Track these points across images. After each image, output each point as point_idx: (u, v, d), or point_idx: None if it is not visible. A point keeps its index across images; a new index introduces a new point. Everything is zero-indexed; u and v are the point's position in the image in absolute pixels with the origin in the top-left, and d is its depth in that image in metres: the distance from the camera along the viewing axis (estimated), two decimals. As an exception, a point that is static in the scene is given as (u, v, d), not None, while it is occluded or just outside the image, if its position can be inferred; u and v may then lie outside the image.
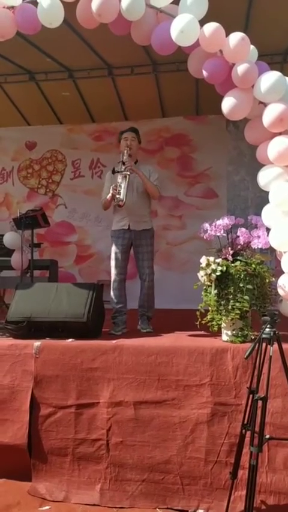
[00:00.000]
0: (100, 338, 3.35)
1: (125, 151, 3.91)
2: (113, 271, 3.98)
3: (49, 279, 5.75)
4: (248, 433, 2.35)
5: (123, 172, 3.80)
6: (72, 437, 2.95)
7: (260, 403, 2.28)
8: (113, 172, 3.91)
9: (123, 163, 3.85)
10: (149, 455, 2.83)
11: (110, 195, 3.85)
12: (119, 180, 3.81)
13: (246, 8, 4.29)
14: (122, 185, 3.77)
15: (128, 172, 3.81)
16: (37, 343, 3.11)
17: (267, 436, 2.41)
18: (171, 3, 3.15)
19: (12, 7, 3.26)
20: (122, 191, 3.76)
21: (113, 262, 4.00)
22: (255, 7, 4.27)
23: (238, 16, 4.32)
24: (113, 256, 4.00)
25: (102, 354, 3.01)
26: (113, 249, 4.00)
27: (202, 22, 3.06)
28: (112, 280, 3.99)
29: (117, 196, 3.77)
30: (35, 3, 3.22)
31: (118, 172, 3.83)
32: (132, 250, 4.06)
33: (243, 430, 2.40)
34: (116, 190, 3.77)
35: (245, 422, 2.40)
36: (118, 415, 2.91)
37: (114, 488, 2.84)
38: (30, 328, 3.36)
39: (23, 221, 4.77)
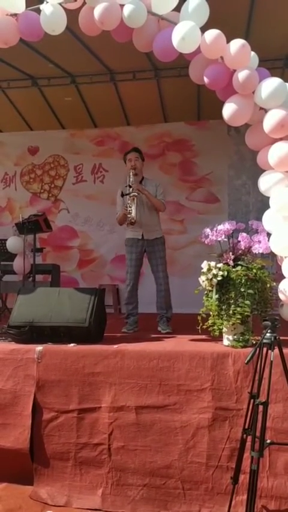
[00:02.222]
0: (102, 343, 3.36)
1: (131, 173, 4.23)
2: (127, 276, 4.34)
3: (51, 283, 5.77)
4: (249, 438, 2.35)
5: (131, 194, 4.13)
6: (74, 442, 2.95)
7: (261, 407, 2.29)
8: (122, 195, 4.26)
9: (130, 186, 4.16)
10: (150, 459, 2.84)
11: (121, 213, 4.26)
12: (129, 202, 4.15)
13: (247, 15, 4.33)
14: (132, 206, 4.12)
15: (136, 193, 4.14)
16: (39, 347, 3.13)
17: (268, 441, 2.42)
18: (173, 10, 3.18)
19: (16, 14, 3.29)
20: (132, 211, 4.11)
21: (127, 268, 4.36)
22: (256, 13, 4.30)
23: (239, 23, 4.36)
24: (127, 262, 4.36)
25: (104, 359, 3.02)
26: (127, 255, 4.37)
27: (203, 29, 3.09)
28: (126, 284, 4.37)
29: (129, 216, 4.11)
30: (38, 11, 3.25)
31: (126, 195, 4.17)
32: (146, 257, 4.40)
33: (244, 435, 2.41)
34: (126, 210, 4.13)
35: (246, 427, 2.40)
36: (120, 419, 2.91)
37: (115, 493, 2.84)
38: (32, 333, 3.37)
39: (25, 226, 4.80)
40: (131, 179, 4.20)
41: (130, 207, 4.11)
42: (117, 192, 4.45)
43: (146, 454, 2.84)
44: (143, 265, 4.44)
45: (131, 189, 4.15)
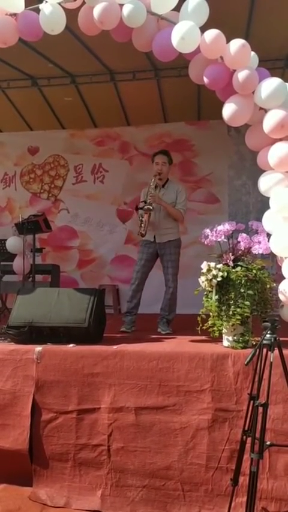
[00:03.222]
0: (101, 343, 3.35)
1: (151, 182, 4.21)
2: (134, 275, 4.33)
3: (51, 283, 5.77)
4: (249, 440, 2.34)
5: (145, 208, 4.15)
6: (73, 443, 2.94)
7: (260, 409, 2.28)
8: (136, 209, 4.31)
9: (145, 202, 4.16)
10: (150, 461, 2.83)
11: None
12: (143, 217, 4.17)
13: (247, 15, 4.32)
14: (144, 221, 4.16)
15: (151, 208, 4.13)
16: (38, 348, 3.12)
17: (268, 443, 2.40)
18: (172, 10, 3.18)
19: (15, 14, 3.28)
20: (143, 225, 4.17)
21: (136, 267, 4.35)
22: (256, 13, 4.30)
23: (239, 22, 4.36)
24: (137, 262, 4.37)
25: (104, 360, 3.01)
26: (139, 255, 4.39)
27: (203, 29, 3.08)
28: (131, 282, 4.34)
29: (139, 229, 4.20)
30: (37, 10, 3.25)
31: (141, 209, 4.20)
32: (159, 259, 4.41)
33: (244, 437, 2.40)
34: (139, 222, 4.20)
35: (246, 428, 2.39)
36: (119, 420, 2.90)
37: (115, 494, 2.83)
38: (31, 333, 3.36)
39: (25, 226, 4.79)
40: (150, 189, 4.19)
41: (142, 222, 4.15)
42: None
43: (145, 455, 2.83)
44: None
45: (145, 204, 4.14)
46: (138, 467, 2.83)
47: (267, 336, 2.32)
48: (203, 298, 3.17)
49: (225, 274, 3.05)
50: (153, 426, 2.86)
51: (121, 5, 3.11)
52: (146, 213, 4.14)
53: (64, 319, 3.37)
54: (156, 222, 4.23)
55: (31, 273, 5.09)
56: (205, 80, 3.19)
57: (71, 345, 3.20)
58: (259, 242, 3.15)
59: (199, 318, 3.08)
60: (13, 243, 5.56)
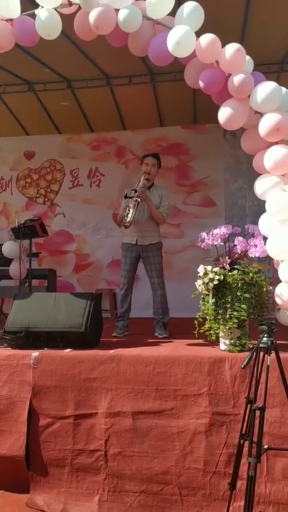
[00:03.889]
0: (98, 348, 3.34)
1: (142, 178, 4.21)
2: (121, 280, 4.33)
3: (47, 288, 5.75)
4: (246, 443, 2.33)
5: (134, 199, 4.09)
6: (71, 448, 2.93)
7: (258, 412, 2.27)
8: (125, 197, 4.21)
9: (135, 191, 4.12)
10: (147, 466, 2.82)
11: (120, 213, 4.26)
12: (130, 205, 4.11)
13: (243, 19, 4.34)
14: (131, 209, 4.08)
15: (139, 200, 4.09)
16: (35, 353, 3.11)
17: (266, 446, 2.40)
18: (168, 15, 3.19)
19: (11, 19, 3.29)
20: (129, 214, 4.08)
21: (122, 272, 4.34)
22: (251, 18, 4.32)
23: (234, 27, 4.37)
24: (122, 267, 4.36)
25: (100, 364, 3.00)
26: (123, 259, 4.37)
27: (198, 33, 3.09)
28: (120, 288, 4.36)
29: (125, 218, 4.10)
30: (33, 16, 3.25)
31: (130, 197, 4.13)
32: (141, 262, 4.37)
33: (242, 440, 2.39)
34: (125, 212, 4.12)
35: (243, 432, 2.39)
36: (116, 425, 2.89)
37: (112, 500, 2.82)
38: (28, 339, 3.35)
39: (21, 231, 4.78)
40: (140, 184, 4.17)
41: (128, 210, 4.08)
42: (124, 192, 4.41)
43: (142, 460, 2.82)
44: (140, 270, 4.42)
45: (135, 193, 4.11)
46: (135, 472, 2.82)
47: (264, 339, 2.32)
48: (200, 302, 3.16)
49: (222, 277, 3.05)
50: (150, 431, 2.85)
51: (117, 10, 3.13)
52: (134, 204, 4.08)
53: (61, 324, 3.36)
54: (139, 223, 4.18)
55: (27, 277, 5.07)
56: (201, 84, 3.20)
57: (68, 350, 3.19)
58: (255, 245, 3.16)
59: (196, 322, 3.07)
60: (9, 247, 5.55)
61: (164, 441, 2.82)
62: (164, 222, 4.39)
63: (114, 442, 2.88)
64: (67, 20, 3.28)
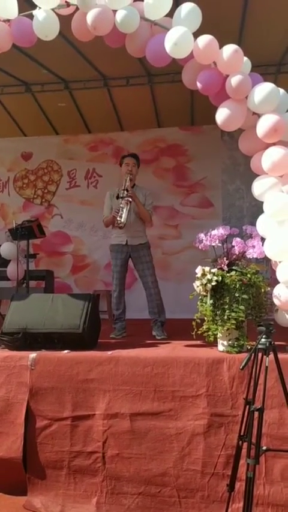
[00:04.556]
0: (96, 349, 3.33)
1: (127, 178, 4.22)
2: (113, 282, 4.35)
3: (45, 289, 5.74)
4: (245, 445, 2.33)
5: (126, 198, 4.11)
6: (68, 450, 2.92)
7: (256, 414, 2.27)
8: (117, 197, 4.21)
9: (127, 190, 4.14)
10: (145, 467, 2.81)
11: (109, 214, 4.26)
12: (121, 205, 4.12)
13: (240, 20, 4.35)
14: (124, 210, 4.09)
15: (130, 199, 4.13)
16: (33, 354, 3.09)
17: (264, 448, 2.39)
18: (165, 16, 3.19)
19: (8, 20, 3.28)
20: (123, 215, 4.09)
21: (112, 273, 4.37)
22: (248, 19, 4.32)
23: (232, 28, 4.38)
24: (113, 268, 4.37)
25: (98, 365, 2.99)
26: (112, 261, 4.37)
27: (196, 34, 3.09)
28: (113, 290, 4.38)
29: (118, 219, 4.09)
30: (31, 16, 3.25)
31: (122, 198, 4.14)
32: (131, 263, 4.38)
33: (240, 442, 2.39)
34: (117, 213, 4.10)
35: (242, 433, 2.38)
36: (114, 427, 2.88)
37: (110, 502, 2.80)
38: (25, 340, 3.34)
39: (18, 232, 4.77)
40: (127, 183, 4.19)
41: (122, 210, 4.09)
42: (106, 194, 4.44)
43: (140, 462, 2.81)
44: (133, 271, 4.41)
45: (126, 193, 4.12)
46: (133, 474, 2.81)
47: (262, 340, 2.32)
48: (198, 303, 3.16)
49: (220, 278, 3.05)
50: (148, 432, 2.84)
51: (114, 11, 3.12)
52: (127, 203, 4.10)
53: (58, 325, 3.35)
54: (128, 224, 4.17)
55: (25, 278, 5.06)
56: (198, 85, 3.20)
57: (66, 351, 3.18)
58: (253, 246, 3.16)
59: (194, 323, 3.07)
60: (7, 248, 5.54)
61: (162, 443, 2.81)
62: (150, 220, 4.42)
63: (112, 444, 2.87)
64: (65, 20, 3.27)
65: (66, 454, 2.92)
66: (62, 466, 2.91)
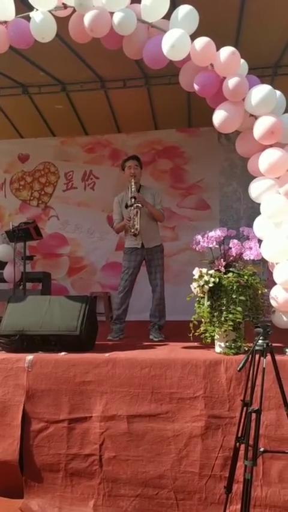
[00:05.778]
0: (93, 351, 3.33)
1: (133, 183, 4.21)
2: (121, 283, 4.31)
3: (42, 291, 5.72)
4: (242, 446, 2.32)
5: (135, 206, 4.12)
6: (65, 453, 2.91)
7: (253, 415, 2.26)
8: (126, 207, 4.22)
9: (134, 198, 4.14)
10: (142, 470, 2.80)
11: (122, 223, 4.27)
12: (132, 214, 4.14)
13: (237, 23, 4.37)
14: (136, 218, 4.12)
15: (140, 205, 4.14)
16: (30, 356, 3.08)
17: (262, 449, 2.39)
18: (163, 18, 3.20)
19: (5, 22, 3.28)
20: (136, 224, 4.12)
21: (122, 275, 4.32)
22: (245, 21, 4.34)
23: (229, 30, 4.40)
24: (124, 270, 4.33)
25: (95, 367, 2.98)
26: (125, 263, 4.34)
27: (193, 36, 3.10)
28: (119, 290, 4.33)
29: (132, 229, 4.12)
30: (28, 18, 3.25)
31: (130, 206, 4.15)
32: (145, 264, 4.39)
33: (238, 443, 2.38)
34: (129, 221, 4.13)
35: (239, 435, 2.37)
36: (111, 429, 2.87)
37: (107, 504, 2.79)
38: (22, 342, 3.32)
39: (15, 234, 4.76)
40: (133, 189, 4.20)
41: (133, 220, 4.12)
42: (114, 199, 4.43)
43: (138, 464, 2.80)
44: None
45: (135, 200, 4.13)
46: (130, 477, 2.80)
47: (260, 341, 2.32)
48: (195, 305, 3.16)
49: (217, 280, 3.05)
50: (145, 434, 2.83)
51: (111, 13, 3.13)
52: (137, 211, 4.11)
53: (55, 327, 3.34)
54: (142, 227, 4.19)
55: (22, 280, 5.05)
56: (195, 87, 3.20)
57: (63, 353, 3.17)
58: (250, 248, 3.16)
59: (191, 324, 3.07)
60: (3, 250, 5.52)
61: (160, 445, 2.81)
62: (163, 219, 4.44)
63: (109, 446, 2.86)
64: (62, 22, 3.28)
65: (62, 456, 2.90)
66: (58, 468, 2.90)
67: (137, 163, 4.38)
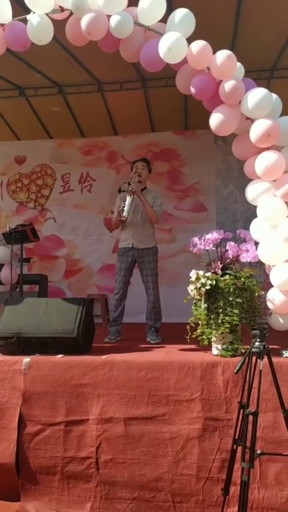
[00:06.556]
0: (90, 353, 3.32)
1: (135, 176, 4.22)
2: (116, 285, 4.29)
3: (39, 293, 5.71)
4: (239, 449, 2.33)
5: (128, 190, 4.11)
6: (61, 456, 2.90)
7: (250, 417, 2.27)
8: (119, 191, 4.23)
9: (129, 184, 4.13)
10: (139, 472, 2.79)
11: (116, 212, 4.23)
12: (124, 197, 4.13)
13: (233, 26, 4.38)
14: (126, 202, 4.09)
15: (135, 189, 4.11)
16: (26, 359, 3.08)
17: (259, 451, 2.40)
18: (159, 21, 3.21)
19: (2, 24, 3.28)
20: (125, 208, 4.08)
21: (116, 277, 4.31)
22: (242, 25, 4.36)
23: (225, 34, 4.41)
24: (116, 271, 4.32)
25: (92, 370, 2.98)
26: (117, 264, 4.33)
27: (190, 40, 3.11)
28: (114, 293, 4.31)
29: (121, 213, 4.09)
30: (25, 21, 3.25)
31: (124, 191, 4.15)
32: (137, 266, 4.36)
33: (235, 446, 2.39)
34: (120, 207, 4.11)
35: (236, 437, 2.38)
36: (108, 431, 2.87)
37: (104, 507, 2.79)
38: (19, 344, 3.32)
39: (12, 236, 4.75)
40: (133, 179, 4.19)
41: (124, 201, 4.08)
42: (117, 197, 4.41)
43: (135, 467, 2.80)
44: (132, 275, 4.41)
45: (129, 187, 4.11)
46: (127, 479, 2.80)
47: (256, 343, 2.33)
48: (192, 307, 3.16)
49: (214, 282, 3.06)
50: (142, 437, 2.83)
51: (108, 16, 3.14)
52: (130, 196, 4.08)
53: (52, 330, 3.33)
54: (134, 226, 4.18)
55: (19, 283, 5.04)
56: (192, 90, 3.21)
57: (60, 356, 3.16)
58: (247, 250, 3.17)
59: (188, 327, 3.07)
60: (0, 253, 5.51)
61: (157, 447, 2.81)
62: (157, 221, 4.37)
63: (105, 449, 2.86)
64: (59, 25, 3.28)
65: (59, 459, 2.90)
66: (55, 471, 2.89)
67: (145, 165, 4.37)
